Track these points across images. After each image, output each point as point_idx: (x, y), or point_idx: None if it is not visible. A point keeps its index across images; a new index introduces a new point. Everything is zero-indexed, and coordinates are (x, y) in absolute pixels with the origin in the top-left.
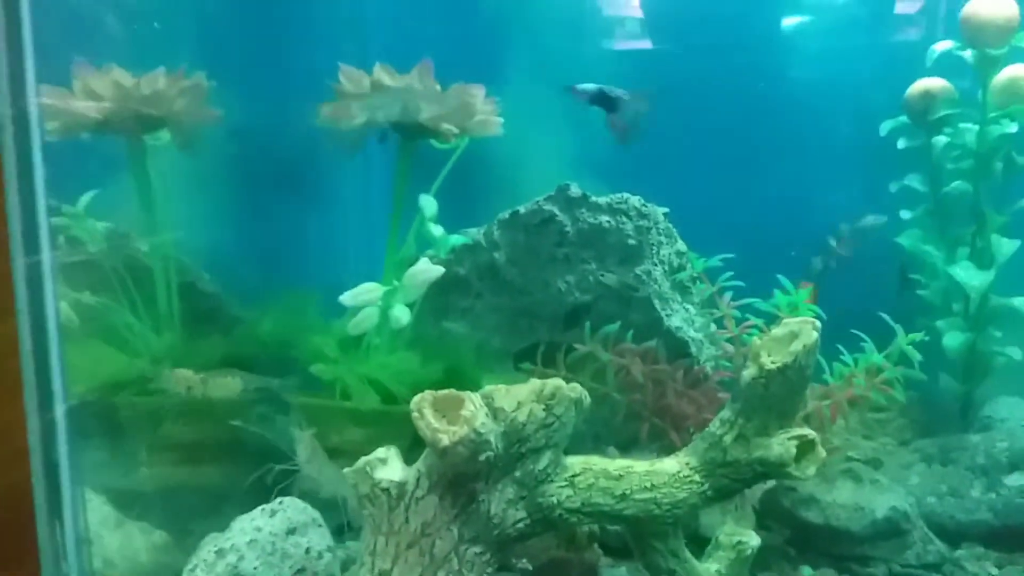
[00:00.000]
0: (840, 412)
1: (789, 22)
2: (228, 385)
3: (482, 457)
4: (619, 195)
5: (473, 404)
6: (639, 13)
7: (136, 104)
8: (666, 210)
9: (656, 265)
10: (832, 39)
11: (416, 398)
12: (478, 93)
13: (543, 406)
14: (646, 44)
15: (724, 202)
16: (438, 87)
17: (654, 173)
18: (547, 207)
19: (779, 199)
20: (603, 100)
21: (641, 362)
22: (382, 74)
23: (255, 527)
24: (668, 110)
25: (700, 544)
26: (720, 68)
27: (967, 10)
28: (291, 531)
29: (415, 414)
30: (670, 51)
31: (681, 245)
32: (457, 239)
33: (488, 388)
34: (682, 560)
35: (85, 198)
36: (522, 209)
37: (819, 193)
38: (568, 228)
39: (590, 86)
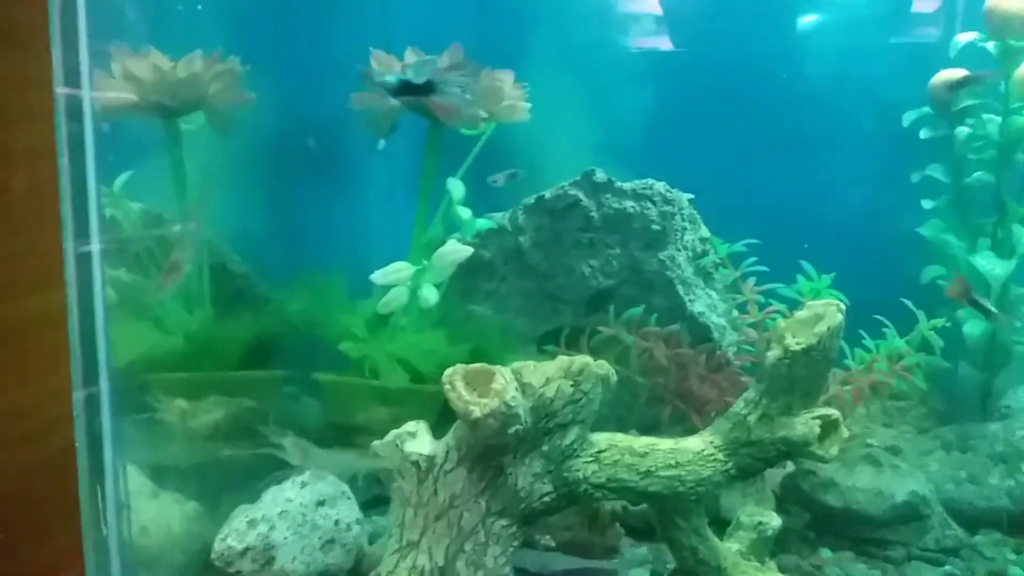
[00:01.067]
0: (861, 398)
1: (812, 15)
2: (211, 416)
3: (511, 430)
4: (644, 181)
5: (504, 378)
6: (664, 2)
7: (172, 87)
8: (691, 196)
9: (680, 251)
10: (857, 30)
11: (448, 371)
12: (507, 79)
13: (571, 382)
14: (671, 32)
15: (749, 190)
16: None
17: (680, 160)
18: (572, 192)
19: (803, 187)
20: (412, 89)
21: (664, 346)
22: (413, 59)
23: (286, 498)
24: (693, 99)
25: (721, 526)
26: (745, 57)
27: (991, 2)
28: (321, 503)
29: (447, 386)
30: (695, 40)
31: (705, 231)
32: (483, 223)
33: (517, 364)
34: (704, 538)
35: (121, 179)
36: (547, 194)
37: (842, 182)
38: (593, 213)
39: (390, 78)
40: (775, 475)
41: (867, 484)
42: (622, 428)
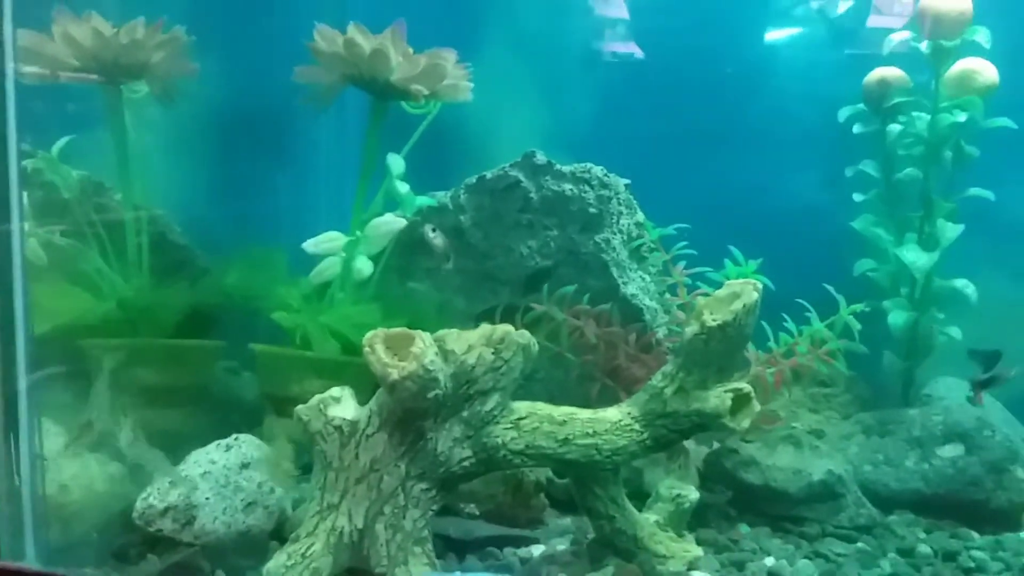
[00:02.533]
0: (784, 380)
1: (756, 11)
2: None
3: (430, 394)
4: (583, 164)
5: (423, 342)
6: None
7: (114, 53)
8: (627, 181)
9: (616, 234)
10: (798, 25)
11: (369, 334)
12: (449, 57)
13: (492, 350)
14: (618, 25)
15: (688, 178)
16: (410, 49)
17: (621, 147)
18: (513, 173)
19: (740, 178)
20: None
21: (595, 324)
22: (356, 34)
23: (209, 460)
24: (638, 89)
25: (644, 500)
26: (690, 51)
27: (924, 2)
28: (245, 465)
29: (367, 349)
30: (641, 33)
31: (640, 216)
32: (424, 200)
33: (441, 332)
34: (621, 508)
35: (59, 144)
36: (489, 174)
37: (780, 174)
38: (532, 194)
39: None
40: (700, 453)
41: (786, 463)
42: (554, 404)
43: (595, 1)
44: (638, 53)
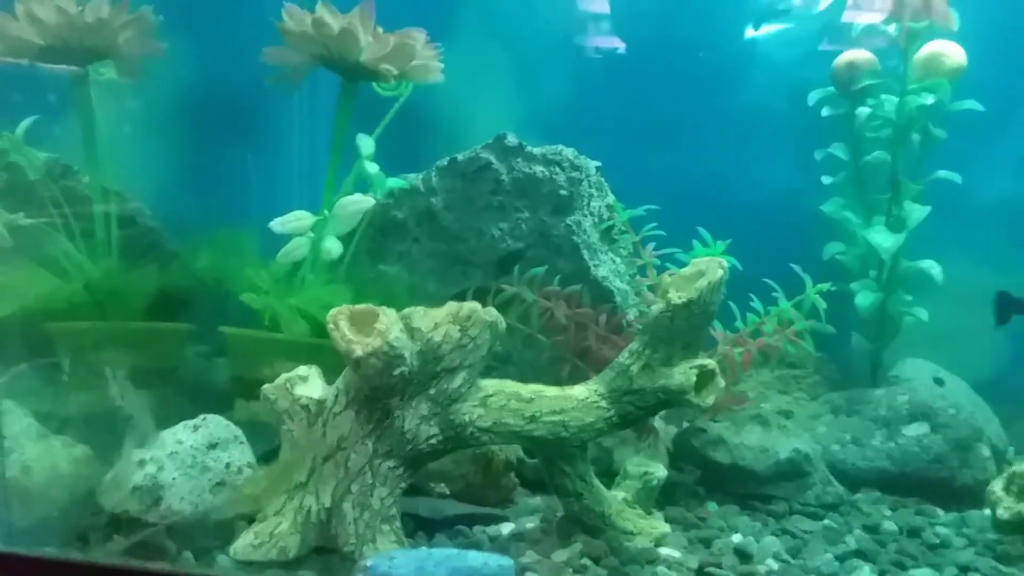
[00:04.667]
0: (751, 361)
1: None
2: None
3: (396, 372)
4: (554, 147)
5: (388, 318)
6: None
7: (79, 32)
8: (598, 164)
9: (586, 216)
10: (768, 13)
11: (333, 311)
12: (419, 37)
13: (459, 327)
14: (592, 11)
15: (658, 160)
16: (380, 29)
17: (595, 130)
18: (484, 155)
19: (711, 159)
20: None
21: (566, 305)
22: (324, 13)
23: (176, 440)
24: (611, 72)
25: (613, 478)
26: (663, 35)
27: None
28: (212, 446)
29: (330, 326)
30: (617, 12)
31: (611, 198)
32: (395, 183)
33: (407, 310)
34: (589, 485)
35: (24, 124)
36: (460, 156)
37: (748, 157)
38: (504, 176)
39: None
40: (669, 432)
41: (754, 442)
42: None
43: None
44: (611, 37)
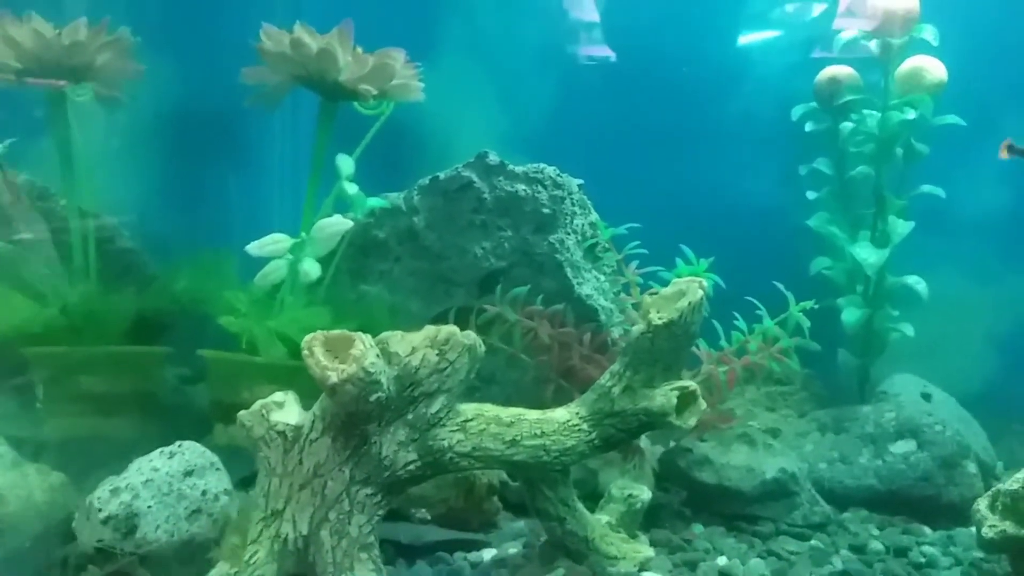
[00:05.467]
0: (736, 379)
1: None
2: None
3: (372, 398)
4: (535, 165)
5: (363, 344)
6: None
7: (56, 55)
8: (580, 182)
9: (569, 234)
10: (752, 29)
11: (307, 337)
12: (398, 57)
13: (437, 351)
14: (574, 27)
15: (642, 177)
16: (359, 49)
17: (576, 147)
18: (466, 173)
19: (697, 178)
20: None
21: (549, 325)
22: (303, 33)
23: (152, 467)
24: (594, 90)
25: (598, 500)
26: (645, 52)
27: (873, 0)
28: (188, 473)
29: (305, 352)
30: (597, 35)
31: (594, 216)
32: (376, 202)
33: (384, 334)
34: (572, 509)
35: (1, 148)
36: (442, 175)
37: (736, 174)
38: (486, 195)
39: None
40: (655, 452)
41: (740, 462)
42: (512, 406)
43: (550, 1)
44: (594, 52)
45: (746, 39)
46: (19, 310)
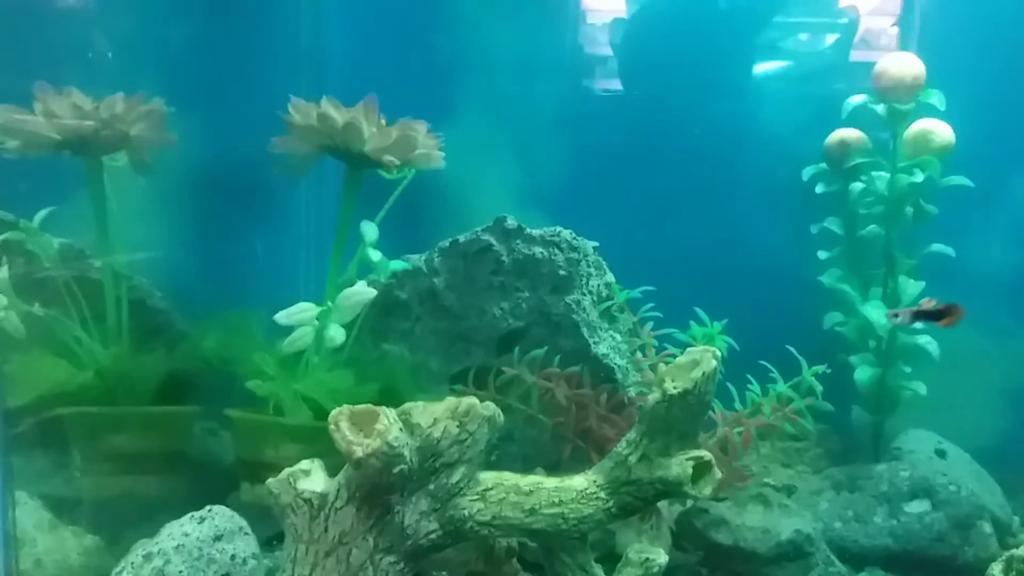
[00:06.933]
0: (750, 440)
1: (727, 70)
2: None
3: (395, 470)
4: (552, 228)
5: (387, 418)
6: (586, 54)
7: (94, 127)
8: (596, 244)
9: (585, 295)
10: (764, 88)
11: (334, 412)
12: (421, 128)
13: (457, 423)
14: (589, 84)
15: (659, 238)
16: (383, 120)
17: (592, 209)
18: (484, 237)
19: (708, 237)
20: None
21: (566, 386)
22: (329, 107)
23: (183, 532)
24: (608, 152)
25: (615, 562)
26: (659, 113)
27: (879, 67)
28: (218, 537)
29: (332, 427)
30: (611, 92)
31: (610, 277)
32: (398, 264)
33: (407, 405)
34: (589, 574)
35: (41, 214)
36: (461, 238)
37: (745, 232)
38: (504, 257)
39: None
40: (672, 512)
41: (755, 522)
42: (530, 464)
43: (564, 66)
44: (607, 116)
45: (754, 101)
46: (55, 372)
